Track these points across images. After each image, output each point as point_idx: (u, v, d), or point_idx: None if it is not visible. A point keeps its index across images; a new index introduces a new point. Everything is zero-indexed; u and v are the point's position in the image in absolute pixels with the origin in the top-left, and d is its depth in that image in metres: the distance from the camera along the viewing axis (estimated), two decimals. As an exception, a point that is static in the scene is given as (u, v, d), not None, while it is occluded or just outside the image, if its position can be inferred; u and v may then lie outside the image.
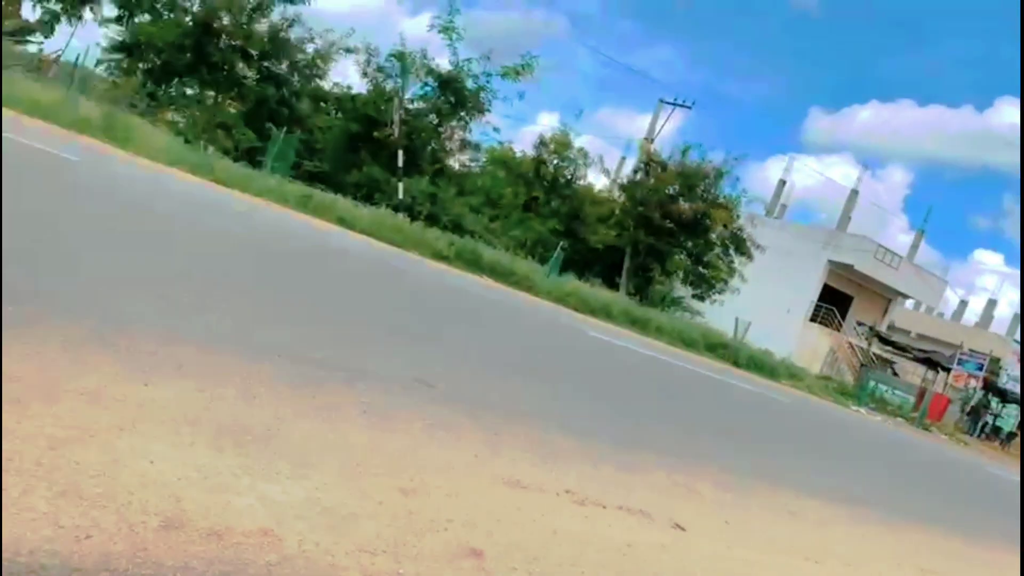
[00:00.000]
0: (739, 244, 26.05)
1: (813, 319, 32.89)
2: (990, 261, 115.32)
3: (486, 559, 1.82)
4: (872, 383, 26.69)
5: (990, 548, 4.68)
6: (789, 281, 31.92)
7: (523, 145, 38.19)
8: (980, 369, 28.49)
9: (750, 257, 26.34)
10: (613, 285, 24.44)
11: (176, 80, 23.34)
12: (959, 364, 29.09)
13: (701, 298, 27.61)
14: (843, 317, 34.08)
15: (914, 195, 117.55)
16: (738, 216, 25.70)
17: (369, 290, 7.11)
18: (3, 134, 6.14)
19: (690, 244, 26.15)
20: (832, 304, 33.55)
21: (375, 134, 22.90)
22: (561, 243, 23.98)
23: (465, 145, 25.83)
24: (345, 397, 2.77)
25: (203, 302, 3.59)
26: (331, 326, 4.25)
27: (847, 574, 2.86)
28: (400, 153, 21.12)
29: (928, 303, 39.74)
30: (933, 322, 43.74)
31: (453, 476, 2.32)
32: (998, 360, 31.54)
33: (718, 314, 27.65)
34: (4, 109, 9.47)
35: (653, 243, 25.42)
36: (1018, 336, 44.75)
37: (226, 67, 21.45)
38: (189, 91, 24.08)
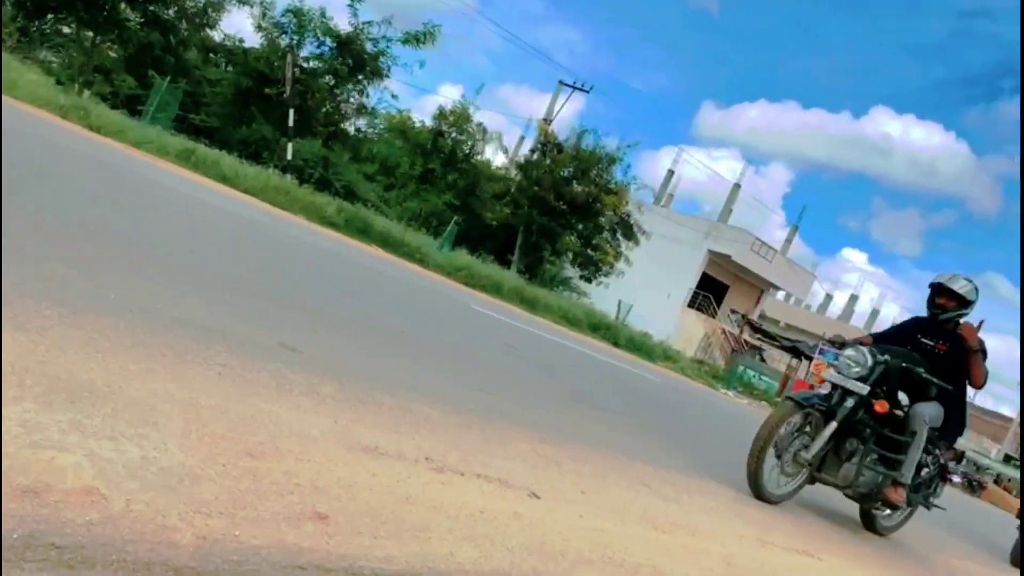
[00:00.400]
0: (627, 229, 26.83)
1: (691, 305, 34.39)
2: (856, 259, 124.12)
3: (331, 523, 1.80)
4: (741, 368, 28.25)
5: (816, 514, 5.06)
6: (671, 268, 33.21)
7: (423, 115, 37.72)
8: (838, 359, 30.57)
9: (636, 242, 27.21)
10: (505, 262, 24.65)
11: (51, 17, 21.52)
12: (820, 354, 31.20)
13: (588, 279, 28.30)
14: (719, 304, 35.83)
15: (793, 193, 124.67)
16: (627, 202, 26.45)
17: (242, 251, 6.85)
18: None
19: (581, 226, 26.70)
20: (710, 292, 35.19)
21: (267, 91, 21.98)
22: (456, 217, 23.92)
23: (362, 110, 25.21)
24: (200, 357, 2.66)
25: (47, 251, 3.35)
26: (194, 284, 4.07)
27: (691, 544, 3.01)
28: (291, 112, 20.37)
29: (797, 295, 42.35)
30: (800, 313, 46.70)
31: (307, 441, 2.27)
32: (854, 351, 33.92)
33: (603, 296, 28.46)
34: None
35: (546, 223, 25.77)
36: (875, 327, 48.41)
37: (107, 7, 19.93)
38: (66, 29, 22.30)
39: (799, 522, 4.51)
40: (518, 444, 3.38)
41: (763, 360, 33.27)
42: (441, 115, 26.68)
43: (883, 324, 59.78)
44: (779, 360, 34.43)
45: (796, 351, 32.43)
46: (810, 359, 31.81)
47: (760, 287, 37.73)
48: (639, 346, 22.14)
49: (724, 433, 9.79)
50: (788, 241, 48.42)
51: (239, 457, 1.95)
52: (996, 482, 38.11)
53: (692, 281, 34.49)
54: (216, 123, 22.52)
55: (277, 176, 17.82)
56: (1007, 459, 48.48)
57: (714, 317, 34.99)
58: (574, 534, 2.49)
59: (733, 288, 37.13)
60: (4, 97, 11.47)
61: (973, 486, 25.12)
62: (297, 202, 16.10)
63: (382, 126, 27.63)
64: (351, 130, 26.15)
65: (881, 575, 4.26)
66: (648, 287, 31.69)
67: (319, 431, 2.41)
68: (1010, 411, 54.80)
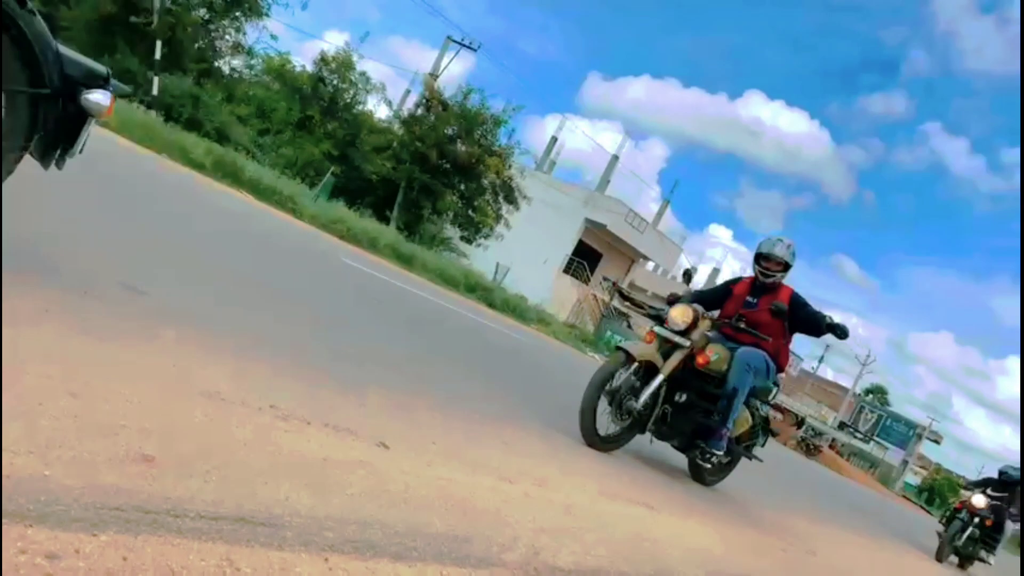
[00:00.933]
0: (508, 193, 27.00)
1: (566, 271, 35.23)
2: (722, 235, 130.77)
3: (156, 465, 1.74)
4: (609, 333, 29.33)
5: (662, 471, 5.38)
6: (549, 233, 33.81)
7: (304, 61, 36.15)
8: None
9: (517, 206, 27.45)
10: (384, 218, 24.24)
11: None
12: (682, 323, 32.85)
13: (468, 240, 28.34)
14: (592, 272, 36.90)
15: (668, 168, 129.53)
16: (510, 166, 26.58)
17: (91, 185, 6.38)
18: None
19: (463, 187, 26.62)
20: (584, 259, 36.15)
21: (132, 19, 20.34)
22: (333, 168, 23.23)
23: (238, 49, 23.85)
24: (28, 295, 2.48)
25: None
26: (33, 216, 3.76)
27: (535, 493, 3.12)
28: (159, 44, 18.98)
29: (665, 266, 44.25)
30: (667, 284, 48.83)
31: (141, 384, 2.18)
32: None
33: (482, 257, 28.63)
34: None
35: (427, 181, 25.51)
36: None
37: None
38: None
39: (640, 476, 4.77)
40: (374, 396, 3.38)
41: (630, 327, 34.67)
42: (323, 61, 25.67)
43: (742, 298, 63.42)
44: (644, 327, 35.89)
45: (659, 319, 33.95)
46: (673, 328, 33.41)
47: (631, 257, 39.15)
48: (514, 308, 22.49)
49: (581, 392, 10.15)
50: (660, 214, 50.32)
51: (60, 396, 1.85)
52: (831, 447, 41.83)
53: (569, 248, 35.29)
54: (75, 50, 20.64)
55: (141, 111, 16.63)
56: (841, 426, 53.28)
57: (587, 284, 36.05)
58: (420, 482, 2.53)
59: (606, 256, 38.33)
60: None
61: (810, 449, 27.42)
62: (161, 141, 15.12)
63: (259, 68, 26.29)
64: (225, 69, 24.72)
65: (713, 527, 4.59)
66: (526, 251, 32.16)
67: (155, 375, 2.32)
68: (846, 382, 60.00)
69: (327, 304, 6.13)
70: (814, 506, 9.13)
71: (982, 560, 10.82)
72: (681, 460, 5.90)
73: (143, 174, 9.60)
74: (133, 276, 3.44)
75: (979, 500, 10.29)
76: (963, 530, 10.20)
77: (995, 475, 11.19)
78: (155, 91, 19.01)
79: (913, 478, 58.89)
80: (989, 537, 10.42)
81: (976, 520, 10.21)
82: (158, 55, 19.26)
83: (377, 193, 25.96)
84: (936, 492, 56.97)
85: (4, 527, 1.27)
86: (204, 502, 1.69)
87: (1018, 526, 12.09)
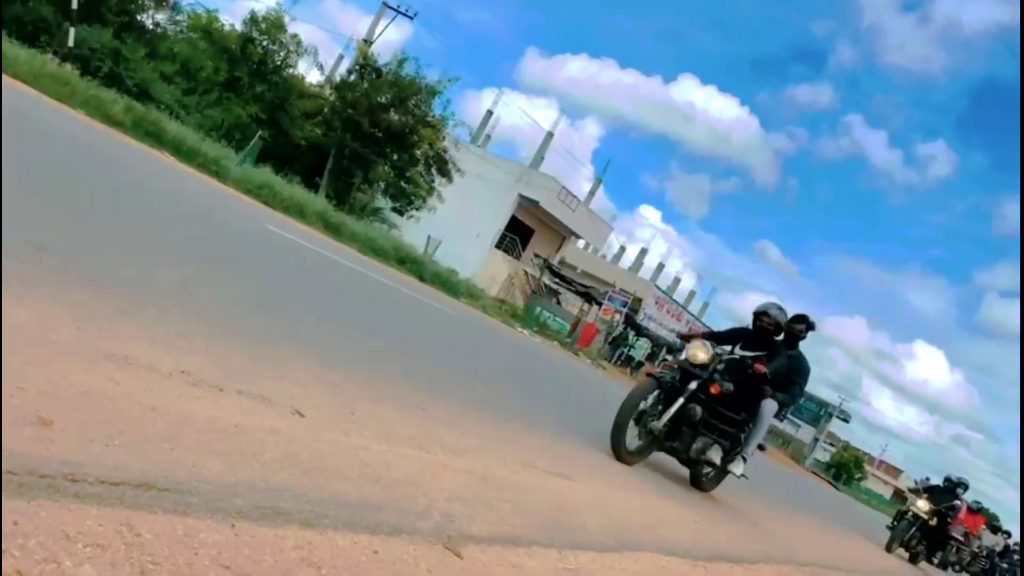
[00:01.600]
0: (441, 165, 26.75)
1: (498, 246, 35.26)
2: (651, 216, 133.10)
3: (56, 429, 1.68)
4: (538, 309, 29.59)
5: (583, 444, 5.50)
6: (482, 208, 33.71)
7: (234, 19, 34.77)
8: (624, 306, 33.03)
9: (450, 179, 27.24)
10: (313, 186, 23.68)
11: None
12: (609, 300, 33.46)
13: (400, 212, 27.99)
14: (524, 247, 37.05)
15: (602, 148, 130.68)
16: (444, 138, 26.30)
17: None
18: None
19: (395, 157, 26.21)
20: (516, 234, 36.24)
21: (45, -36, 19.12)
22: (261, 132, 22.53)
23: (162, 2, 22.73)
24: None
25: None
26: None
27: (454, 463, 3.15)
28: (75, -8, 17.92)
29: (595, 244, 44.77)
30: (596, 262, 49.46)
31: (43, 346, 2.09)
32: (640, 300, 36.80)
33: (413, 230, 28.36)
34: None
35: (359, 149, 25.01)
36: (660, 282, 52.52)
37: None
38: None
39: (560, 449, 4.87)
40: (291, 365, 3.33)
41: (559, 303, 35.05)
42: (253, 20, 24.71)
43: (667, 278, 64.97)
44: (573, 304, 36.42)
45: (589, 296, 34.48)
46: (600, 304, 34.00)
47: (563, 234, 39.43)
48: (444, 282, 22.40)
49: (508, 365, 10.25)
50: (592, 193, 50.84)
51: (-50, 357, 1.76)
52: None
53: (501, 223, 35.27)
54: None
55: (55, 64, 15.71)
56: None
57: (519, 259, 36.17)
58: (335, 451, 2.52)
59: (538, 233, 38.49)
60: None
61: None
62: (77, 95, 14.35)
63: (185, 24, 25.13)
64: (148, 24, 23.53)
65: (631, 499, 4.72)
66: (458, 225, 32.00)
67: (59, 337, 2.23)
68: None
69: (247, 270, 5.99)
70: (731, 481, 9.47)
71: (929, 562, 13.03)
72: (601, 429, 5.96)
73: (54, 130, 9.11)
74: (39, 234, 3.28)
75: (923, 505, 12.03)
76: (908, 529, 12.15)
77: (939, 482, 13.03)
78: (71, 43, 17.97)
79: (823, 454, 61.81)
80: (932, 538, 12.44)
81: (920, 522, 12.07)
82: (75, 4, 18.17)
83: (306, 160, 25.30)
84: (843, 468, 59.99)
85: None
86: (105, 467, 1.65)
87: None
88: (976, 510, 16.00)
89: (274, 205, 16.80)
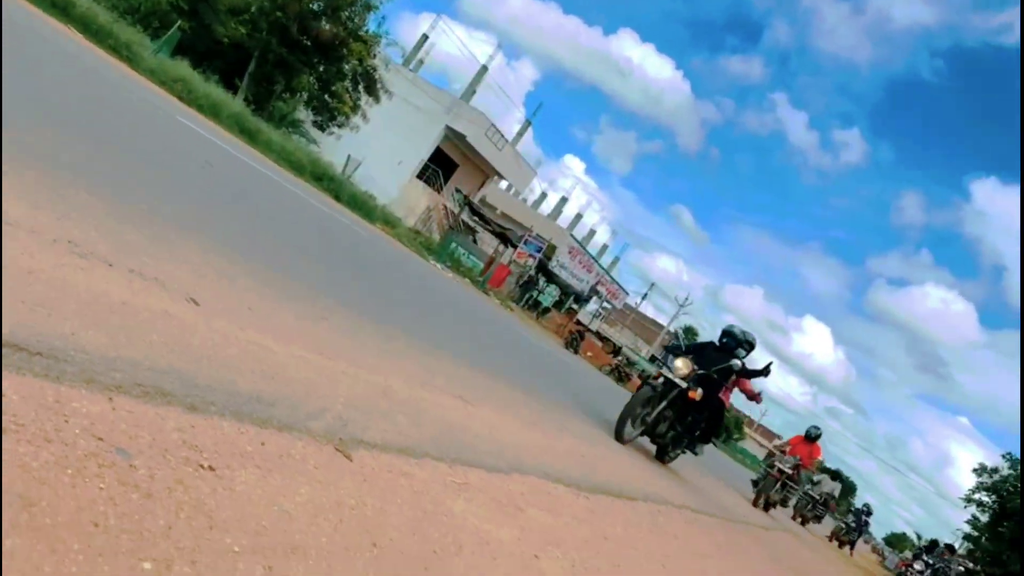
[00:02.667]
0: (370, 83, 25.87)
1: (420, 176, 34.63)
2: (575, 167, 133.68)
3: (-88, 275, 1.52)
4: (453, 245, 29.42)
5: (485, 373, 5.54)
6: (407, 135, 32.92)
7: None
8: (539, 251, 33.28)
9: (377, 99, 26.41)
10: (231, 87, 22.45)
11: None
12: (524, 244, 33.59)
13: (321, 127, 27.00)
14: (446, 181, 36.53)
15: (536, 92, 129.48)
16: (375, 55, 25.37)
17: None
18: None
19: (322, 68, 25.13)
20: (439, 166, 35.65)
21: None
22: (180, 22, 21.12)
23: None
24: None
25: None
26: None
27: (353, 372, 3.09)
28: None
29: (517, 187, 44.65)
30: (517, 205, 49.43)
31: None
32: (554, 248, 37.16)
33: (333, 147, 27.47)
34: None
35: (284, 55, 23.83)
36: (576, 233, 53.09)
37: None
38: None
39: (465, 375, 4.88)
40: (189, 252, 3.16)
41: (475, 242, 34.93)
42: (179, -101, 22.84)
43: (583, 229, 65.68)
44: (488, 244, 36.39)
45: (505, 238, 34.52)
46: (515, 247, 34.12)
47: (486, 172, 39.04)
48: (360, 204, 21.86)
49: (418, 293, 10.17)
50: (520, 135, 50.35)
51: None
52: (639, 376, 44.96)
53: (425, 153, 34.52)
54: None
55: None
56: (652, 359, 57.30)
57: (439, 192, 35.64)
58: (230, 344, 2.42)
59: (462, 168, 37.96)
60: None
61: (621, 376, 29.42)
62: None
63: None
64: None
65: (525, 428, 4.80)
66: (381, 149, 31.16)
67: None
68: (664, 320, 64.35)
69: (152, 154, 5.63)
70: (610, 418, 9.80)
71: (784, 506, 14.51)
72: (505, 362, 6.07)
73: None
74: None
75: (787, 463, 13.36)
76: (772, 485, 13.09)
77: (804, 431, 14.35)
78: None
79: (705, 413, 65.06)
80: (791, 489, 13.72)
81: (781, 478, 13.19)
82: None
83: (227, 59, 23.90)
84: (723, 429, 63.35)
85: None
86: (-32, 321, 1.51)
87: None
88: (814, 438, 14.36)
89: (188, 102, 15.85)
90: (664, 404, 7.36)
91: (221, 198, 5.93)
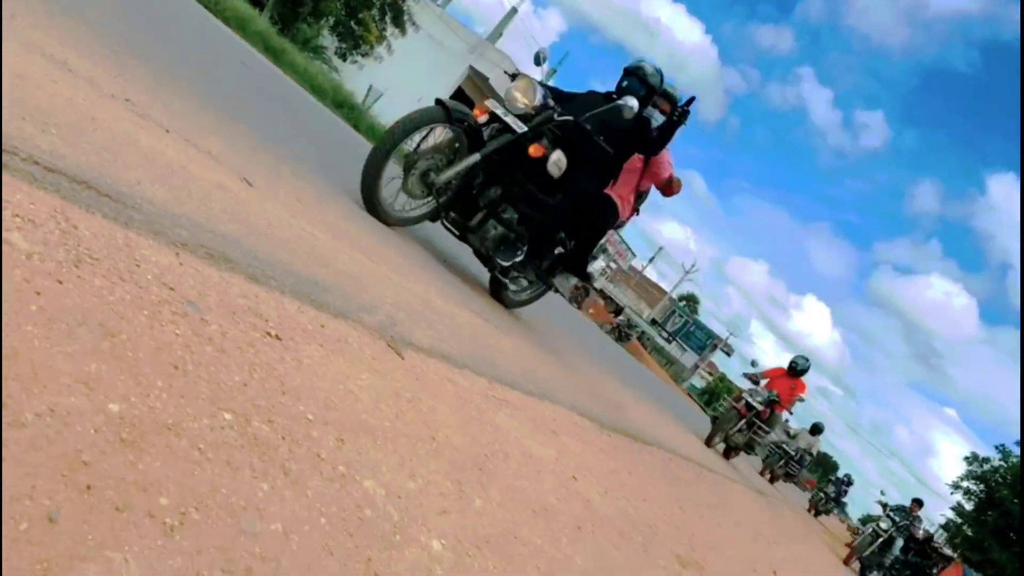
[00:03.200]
0: (397, 14, 25.32)
1: (439, 115, 34.05)
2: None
3: (-18, 93, 1.41)
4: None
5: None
6: (429, 71, 32.29)
7: None
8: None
9: (403, 31, 25.90)
10: (258, 4, 21.96)
11: None
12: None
13: (343, 56, 26.48)
14: (465, 123, 35.95)
15: (560, 43, 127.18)
16: (406, -16, 24.74)
17: None
18: None
19: (350, -7, 24.51)
20: (460, 107, 35.05)
21: None
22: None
23: None
24: None
25: None
26: None
27: (395, 278, 3.00)
28: None
29: (535, 137, 43.97)
30: (533, 155, 48.86)
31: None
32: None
33: (354, 76, 26.97)
34: None
35: (313, -25, 23.19)
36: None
37: None
38: None
39: (497, 305, 4.79)
40: (237, 135, 3.04)
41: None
42: None
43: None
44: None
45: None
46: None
47: (506, 119, 38.46)
48: (378, 136, 21.55)
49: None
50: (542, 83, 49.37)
51: None
52: (639, 339, 45.11)
53: (447, 92, 33.95)
54: None
55: None
56: (653, 323, 57.51)
57: (456, 134, 35.18)
58: (283, 226, 2.32)
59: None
60: None
61: (621, 336, 29.44)
62: None
63: None
64: None
65: (543, 352, 4.73)
66: (401, 83, 30.60)
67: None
68: (667, 286, 64.33)
69: (194, 42, 5.45)
70: (614, 372, 9.81)
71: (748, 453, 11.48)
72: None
73: None
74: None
75: (757, 398, 10.45)
76: (733, 420, 10.40)
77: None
78: None
79: (699, 381, 65.40)
80: (759, 433, 10.66)
81: (749, 415, 10.39)
82: None
83: (255, -26, 23.32)
84: (714, 396, 63.82)
85: None
86: (41, 149, 1.40)
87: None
88: (800, 371, 11.11)
89: (215, 12, 15.45)
90: (477, 159, 3.75)
91: (261, 96, 5.78)
